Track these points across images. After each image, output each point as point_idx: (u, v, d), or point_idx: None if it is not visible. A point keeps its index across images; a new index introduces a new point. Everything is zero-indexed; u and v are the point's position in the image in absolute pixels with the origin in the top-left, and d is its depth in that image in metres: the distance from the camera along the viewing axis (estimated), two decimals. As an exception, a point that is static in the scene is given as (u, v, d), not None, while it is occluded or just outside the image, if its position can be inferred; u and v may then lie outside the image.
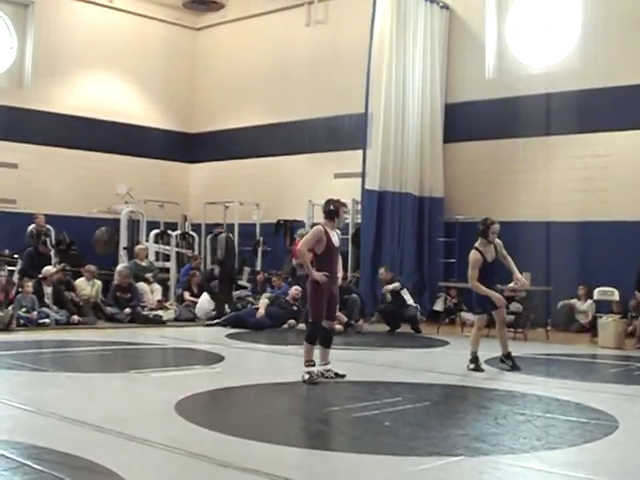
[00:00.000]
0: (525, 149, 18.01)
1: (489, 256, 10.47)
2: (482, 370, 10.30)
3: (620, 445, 6.59)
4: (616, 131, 16.81)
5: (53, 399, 7.80)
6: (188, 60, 24.67)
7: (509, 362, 10.51)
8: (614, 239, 16.51)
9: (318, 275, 9.19)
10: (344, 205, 9.67)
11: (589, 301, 16.39)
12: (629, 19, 16.86)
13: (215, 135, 24.04)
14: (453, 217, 18.72)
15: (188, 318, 16.75)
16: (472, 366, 10.36)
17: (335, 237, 9.45)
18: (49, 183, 21.09)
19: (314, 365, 9.31)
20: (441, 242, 18.85)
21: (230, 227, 21.27)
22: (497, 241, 10.61)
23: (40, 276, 15.24)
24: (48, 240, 17.77)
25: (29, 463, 5.33)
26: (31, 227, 18.18)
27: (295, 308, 16.10)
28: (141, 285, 17.29)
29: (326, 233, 9.33)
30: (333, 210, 9.50)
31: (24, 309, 14.34)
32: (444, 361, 11.93)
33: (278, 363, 11.52)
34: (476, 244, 10.54)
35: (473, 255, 10.43)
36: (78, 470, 5.27)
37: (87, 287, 16.38)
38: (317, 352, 9.45)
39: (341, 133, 20.59)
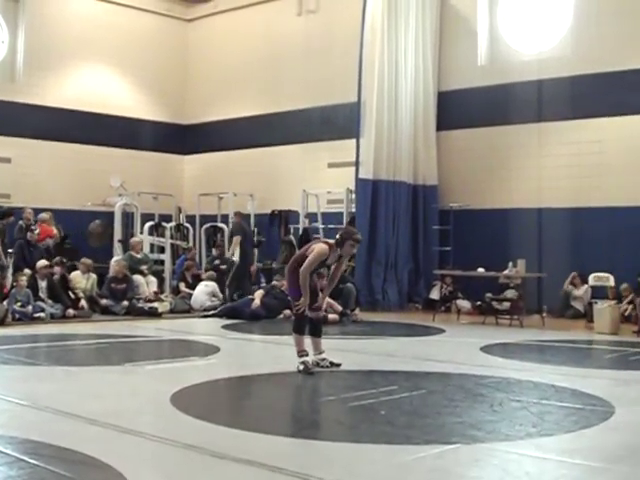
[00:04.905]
0: (518, 136, 18.00)
1: None
2: None
3: (616, 431, 6.59)
4: (609, 117, 16.80)
5: (48, 393, 7.77)
6: (180, 51, 24.59)
7: None
8: (608, 225, 16.53)
9: (304, 302, 9.11)
10: (352, 238, 9.19)
11: (584, 287, 16.38)
12: (621, 4, 16.84)
13: (208, 126, 23.99)
14: (447, 205, 18.74)
15: (183, 310, 16.75)
16: None
17: (332, 256, 9.23)
18: (43, 177, 21.05)
19: (307, 355, 9.27)
20: (436, 230, 18.89)
21: (225, 218, 21.24)
22: None
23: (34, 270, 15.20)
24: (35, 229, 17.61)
25: (24, 458, 5.32)
26: None
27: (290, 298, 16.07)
28: (136, 277, 17.25)
29: (328, 255, 9.19)
30: (338, 239, 9.23)
31: (19, 303, 14.31)
32: (440, 349, 11.92)
33: (274, 354, 11.48)
34: None
35: None
36: (73, 464, 5.26)
37: (82, 280, 16.36)
38: (309, 342, 9.44)
39: (334, 122, 20.53)
